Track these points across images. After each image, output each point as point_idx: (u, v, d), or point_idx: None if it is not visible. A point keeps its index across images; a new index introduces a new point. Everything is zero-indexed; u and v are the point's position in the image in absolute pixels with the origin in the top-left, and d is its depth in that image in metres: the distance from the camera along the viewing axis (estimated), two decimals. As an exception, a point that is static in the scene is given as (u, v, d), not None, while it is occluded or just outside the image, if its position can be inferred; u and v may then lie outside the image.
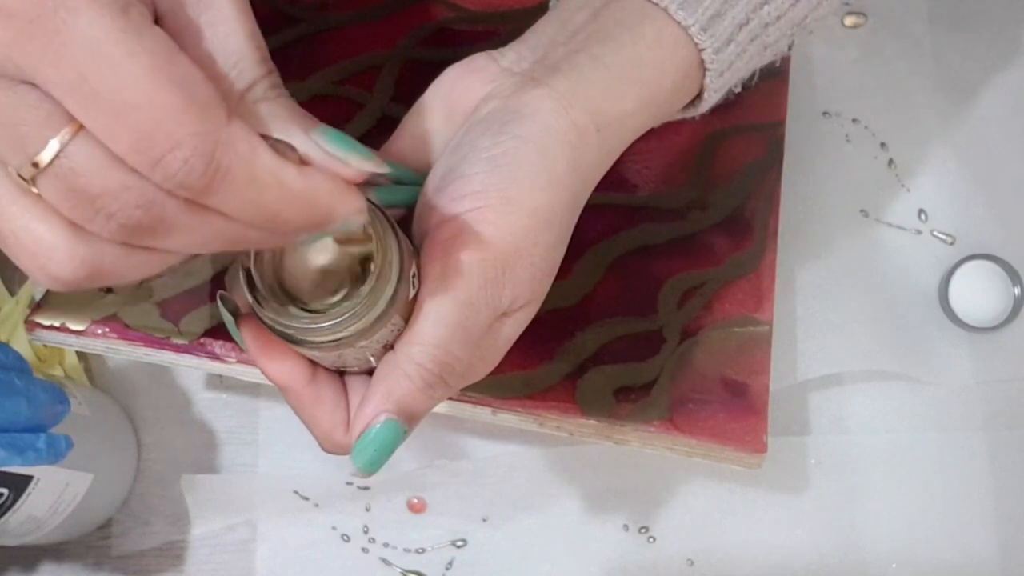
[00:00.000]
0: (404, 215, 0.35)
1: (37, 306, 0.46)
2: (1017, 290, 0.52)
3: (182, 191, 0.24)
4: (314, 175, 0.26)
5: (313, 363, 0.32)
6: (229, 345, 0.44)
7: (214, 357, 0.44)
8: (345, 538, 0.53)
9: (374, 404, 0.31)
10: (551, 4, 0.38)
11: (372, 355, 0.32)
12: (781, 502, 0.51)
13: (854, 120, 0.56)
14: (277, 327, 0.30)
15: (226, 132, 0.24)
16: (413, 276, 0.31)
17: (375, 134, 0.48)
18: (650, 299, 0.46)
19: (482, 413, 0.44)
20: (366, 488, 0.53)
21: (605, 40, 0.34)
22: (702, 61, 0.35)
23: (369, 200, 0.30)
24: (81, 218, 0.24)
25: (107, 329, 0.45)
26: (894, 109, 0.56)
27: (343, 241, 0.31)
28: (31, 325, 0.45)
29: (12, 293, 0.57)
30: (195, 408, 0.56)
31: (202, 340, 0.44)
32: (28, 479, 0.45)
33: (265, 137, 0.26)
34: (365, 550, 0.53)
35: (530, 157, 0.31)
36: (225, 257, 0.46)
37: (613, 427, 0.43)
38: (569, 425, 0.43)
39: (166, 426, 0.55)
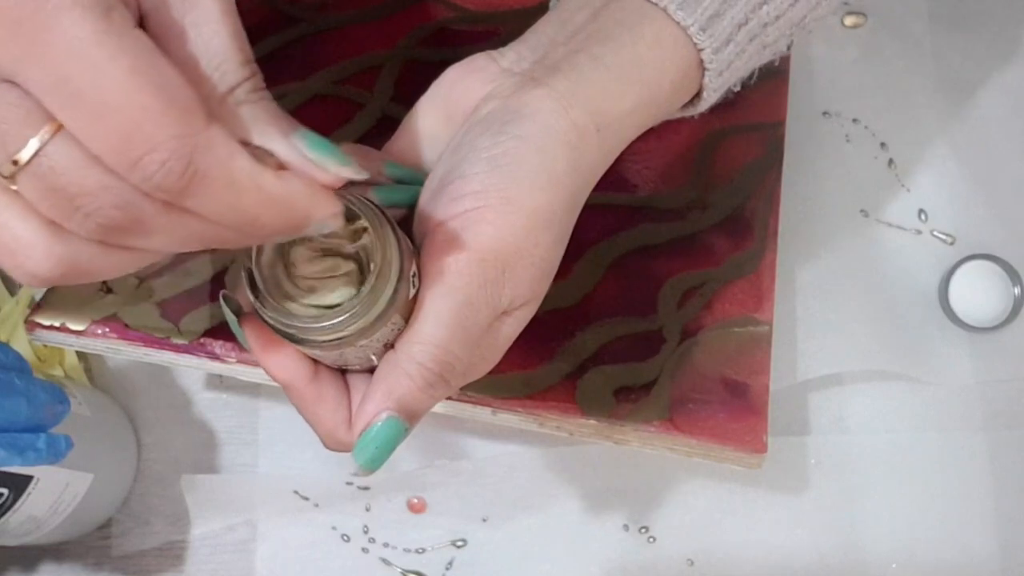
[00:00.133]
0: (404, 215, 0.35)
1: (37, 306, 0.46)
2: (1017, 290, 0.52)
3: (159, 193, 0.24)
4: (291, 179, 0.27)
5: (315, 361, 0.33)
6: (229, 345, 0.44)
7: (214, 357, 0.44)
8: (345, 538, 0.53)
9: (375, 402, 0.31)
10: (551, 4, 0.38)
11: (373, 354, 0.32)
12: (781, 502, 0.51)
13: (854, 120, 0.56)
14: (279, 326, 0.30)
15: (205, 136, 0.24)
16: (413, 275, 0.31)
17: (375, 134, 0.48)
18: (650, 299, 0.46)
19: (482, 413, 0.44)
20: (366, 488, 0.53)
21: (605, 40, 0.34)
22: (701, 61, 0.35)
23: (369, 200, 0.31)
24: (59, 216, 0.25)
25: (107, 329, 0.45)
26: (894, 109, 0.56)
27: (344, 240, 0.31)
28: (31, 325, 0.45)
29: (12, 293, 0.57)
30: (195, 408, 0.56)
31: (202, 340, 0.44)
32: (28, 479, 0.45)
33: (244, 144, 0.26)
34: (365, 550, 0.53)
35: (530, 157, 0.32)
36: (225, 257, 0.46)
37: (613, 427, 0.43)
38: (569, 425, 0.43)
39: (166, 426, 0.55)
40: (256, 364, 0.43)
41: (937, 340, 0.53)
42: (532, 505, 0.52)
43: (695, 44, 0.34)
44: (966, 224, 0.54)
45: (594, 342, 0.44)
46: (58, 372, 0.55)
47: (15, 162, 0.24)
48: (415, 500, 0.53)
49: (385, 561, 0.53)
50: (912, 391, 0.52)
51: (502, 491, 0.52)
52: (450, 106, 0.35)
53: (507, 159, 0.31)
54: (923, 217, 0.55)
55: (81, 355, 0.56)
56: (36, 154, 0.24)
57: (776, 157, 0.49)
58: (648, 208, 0.47)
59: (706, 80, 0.35)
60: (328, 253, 0.31)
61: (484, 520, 0.53)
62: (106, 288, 0.46)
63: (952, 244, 0.54)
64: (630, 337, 0.45)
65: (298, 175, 0.27)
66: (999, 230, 0.54)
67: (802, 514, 0.51)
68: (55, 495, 0.48)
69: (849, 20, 0.58)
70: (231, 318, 0.33)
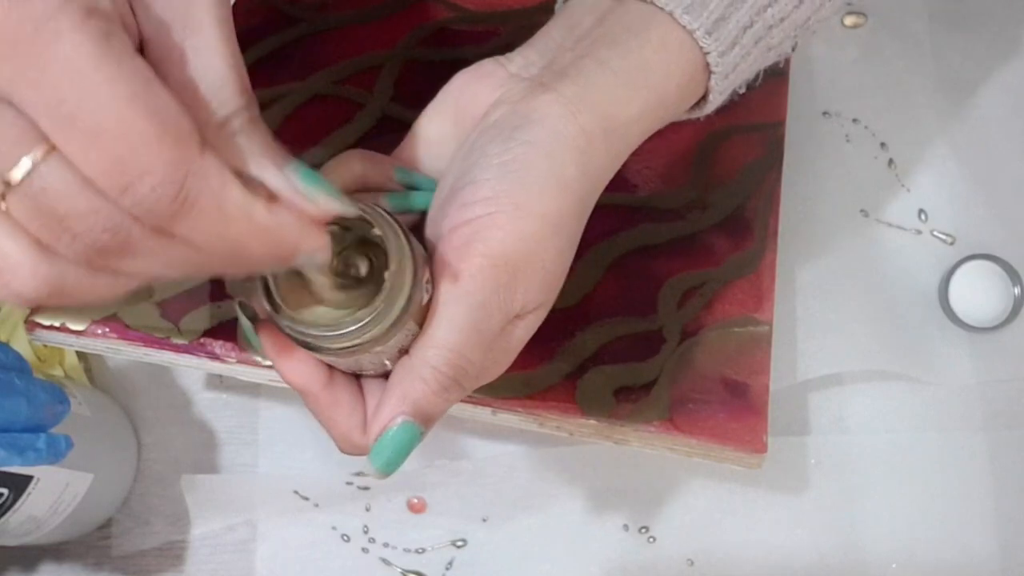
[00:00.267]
0: (416, 221, 0.35)
1: (37, 306, 0.46)
2: (1017, 290, 0.52)
3: (150, 217, 0.24)
4: (281, 212, 0.27)
5: (330, 367, 0.33)
6: (229, 345, 0.44)
7: (214, 357, 0.44)
8: (345, 538, 0.53)
9: (391, 407, 0.31)
10: (556, 6, 0.38)
11: (388, 359, 0.32)
12: (781, 502, 0.51)
13: (854, 120, 0.56)
14: (294, 335, 0.31)
15: (199, 163, 0.25)
16: (426, 282, 0.31)
17: (375, 134, 0.48)
18: (650, 299, 0.46)
19: (482, 413, 0.44)
20: (366, 488, 0.53)
21: (612, 45, 0.34)
22: (707, 64, 0.35)
23: (381, 207, 0.31)
24: (48, 237, 0.25)
25: (107, 329, 0.45)
26: (894, 109, 0.56)
27: (358, 249, 0.31)
28: (31, 325, 0.45)
29: (12, 293, 0.57)
30: (195, 408, 0.56)
31: (202, 340, 0.44)
32: (28, 479, 0.45)
33: (236, 173, 0.26)
34: (365, 550, 0.53)
35: (539, 163, 0.32)
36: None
37: (613, 427, 0.43)
38: (569, 425, 0.43)
39: (166, 426, 0.55)
40: (256, 364, 0.44)
41: (937, 340, 0.53)
42: (532, 505, 0.52)
43: (701, 47, 0.34)
44: (966, 224, 0.54)
45: (594, 342, 0.44)
46: (58, 372, 0.55)
47: (7, 182, 0.24)
48: (415, 500, 0.53)
49: (385, 561, 0.53)
50: (912, 391, 0.52)
51: (502, 491, 0.52)
52: (459, 111, 0.36)
53: (517, 165, 0.32)
54: (923, 217, 0.55)
55: (81, 355, 0.56)
56: (28, 174, 0.24)
57: (776, 157, 0.49)
58: (648, 208, 0.47)
59: (712, 83, 0.35)
60: (342, 261, 0.32)
61: (484, 520, 0.53)
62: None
63: (952, 244, 0.54)
64: (630, 337, 0.45)
65: (288, 207, 0.27)
66: (999, 230, 0.54)
67: (802, 514, 0.51)
68: (55, 495, 0.48)
69: (849, 20, 0.58)
70: (247, 325, 0.33)
